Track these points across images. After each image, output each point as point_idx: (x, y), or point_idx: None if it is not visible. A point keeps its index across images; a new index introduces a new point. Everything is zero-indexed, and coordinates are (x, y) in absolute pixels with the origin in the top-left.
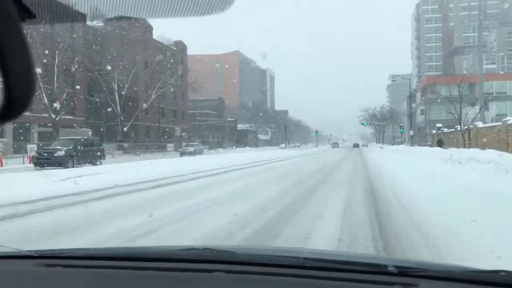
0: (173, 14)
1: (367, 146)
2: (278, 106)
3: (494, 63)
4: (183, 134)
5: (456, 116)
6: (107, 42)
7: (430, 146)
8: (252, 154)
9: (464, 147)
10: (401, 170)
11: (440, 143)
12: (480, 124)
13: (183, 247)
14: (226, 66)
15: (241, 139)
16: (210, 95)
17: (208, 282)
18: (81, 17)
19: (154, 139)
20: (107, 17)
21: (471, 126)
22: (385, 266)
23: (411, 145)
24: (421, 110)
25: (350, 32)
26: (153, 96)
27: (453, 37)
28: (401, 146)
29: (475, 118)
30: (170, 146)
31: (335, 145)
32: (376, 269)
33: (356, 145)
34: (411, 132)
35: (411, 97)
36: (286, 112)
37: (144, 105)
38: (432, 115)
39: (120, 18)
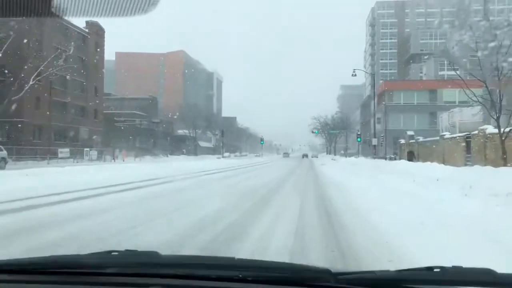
0: (94, 13)
1: (317, 157)
2: (226, 113)
3: (457, 69)
4: (94, 137)
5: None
6: None
7: (394, 158)
8: (167, 166)
9: (465, 162)
10: None
11: (410, 156)
12: (490, 129)
13: (108, 258)
14: (169, 66)
15: (179, 146)
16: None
17: None
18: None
19: (46, 141)
20: (31, 15)
21: (474, 132)
22: (322, 276)
23: (373, 158)
24: (378, 119)
25: (302, 40)
26: (31, 82)
27: (409, 44)
28: (361, 158)
29: None
30: (64, 151)
31: (286, 154)
32: (312, 282)
33: (305, 155)
34: (374, 141)
35: (374, 98)
36: (234, 119)
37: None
38: (389, 124)
39: (46, 16)
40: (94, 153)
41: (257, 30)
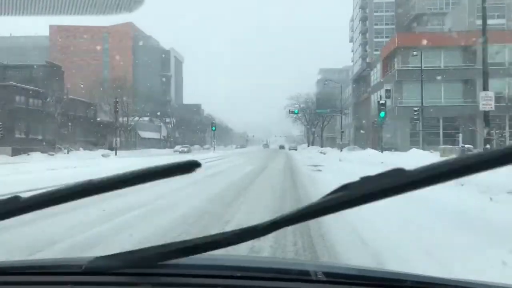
0: (77, 11)
1: (296, 149)
2: (188, 99)
3: (502, 16)
4: None
5: None
6: None
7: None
8: None
9: None
10: None
11: None
12: None
13: (86, 258)
14: (114, 41)
15: (102, 137)
16: (88, 77)
17: None
18: None
19: None
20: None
21: None
22: (313, 273)
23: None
24: (387, 91)
25: (276, 21)
26: None
27: (411, 2)
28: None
29: None
30: None
31: (266, 146)
32: (303, 276)
33: (281, 147)
34: (487, 105)
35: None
36: (198, 106)
37: None
38: (402, 99)
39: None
40: None
41: (226, 11)
